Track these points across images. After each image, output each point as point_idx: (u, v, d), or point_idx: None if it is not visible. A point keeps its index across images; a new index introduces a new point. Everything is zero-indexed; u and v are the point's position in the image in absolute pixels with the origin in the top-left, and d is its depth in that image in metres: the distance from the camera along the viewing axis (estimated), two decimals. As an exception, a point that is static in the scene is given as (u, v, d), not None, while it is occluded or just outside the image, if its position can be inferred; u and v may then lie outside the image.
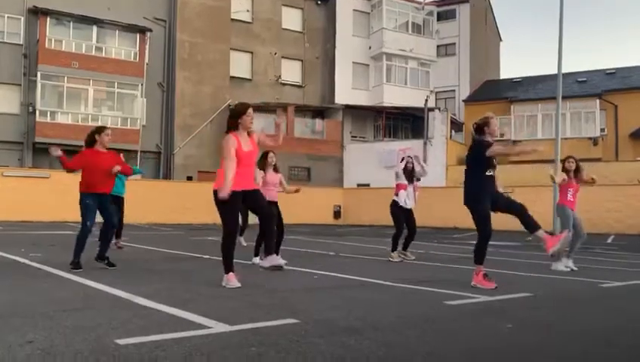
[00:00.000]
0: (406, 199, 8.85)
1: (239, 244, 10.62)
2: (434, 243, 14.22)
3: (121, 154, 7.90)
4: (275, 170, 8.01)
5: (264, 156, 7.81)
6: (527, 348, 3.35)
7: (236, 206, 5.30)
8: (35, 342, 3.00)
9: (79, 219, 6.48)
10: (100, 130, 6.72)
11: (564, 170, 8.40)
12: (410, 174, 8.94)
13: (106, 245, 6.77)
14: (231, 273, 5.32)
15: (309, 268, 7.25)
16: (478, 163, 5.84)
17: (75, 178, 6.65)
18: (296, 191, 8.25)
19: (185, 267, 7.36)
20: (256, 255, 7.72)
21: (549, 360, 3.12)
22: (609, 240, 16.49)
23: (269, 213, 5.48)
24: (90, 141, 6.65)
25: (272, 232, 5.57)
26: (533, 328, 3.94)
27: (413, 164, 8.99)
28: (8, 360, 2.67)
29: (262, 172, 7.82)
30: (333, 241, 13.76)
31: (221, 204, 5.24)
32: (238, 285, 5.25)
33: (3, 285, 5.20)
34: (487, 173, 5.78)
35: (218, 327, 3.48)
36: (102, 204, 6.54)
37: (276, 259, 5.68)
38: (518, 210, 5.82)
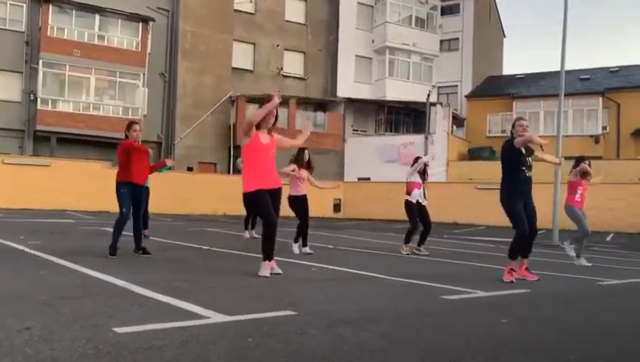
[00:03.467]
0: (420, 196, 9.31)
1: (249, 236, 10.76)
2: (433, 238, 14.22)
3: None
4: (304, 166, 8.49)
5: (301, 151, 8.41)
6: (525, 344, 3.35)
7: (264, 200, 5.51)
8: (32, 328, 3.00)
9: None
10: (128, 126, 6.89)
11: (582, 171, 8.58)
12: (423, 174, 9.46)
13: (139, 236, 7.02)
14: (266, 261, 5.52)
15: (307, 260, 7.27)
16: (509, 161, 6.05)
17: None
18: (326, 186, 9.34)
19: (184, 257, 7.36)
20: (296, 241, 8.23)
21: (545, 356, 3.12)
22: (608, 239, 16.48)
23: (273, 220, 5.54)
24: (125, 137, 6.88)
25: (272, 239, 5.58)
26: (530, 324, 3.94)
27: (426, 167, 9.57)
28: (6, 345, 2.67)
29: (294, 166, 8.42)
30: (332, 234, 13.76)
31: (250, 204, 5.69)
32: (267, 275, 5.43)
33: (1, 272, 5.20)
34: (521, 173, 5.95)
35: (216, 317, 3.48)
36: (135, 195, 6.76)
37: (275, 268, 5.64)
38: (531, 231, 5.99)
